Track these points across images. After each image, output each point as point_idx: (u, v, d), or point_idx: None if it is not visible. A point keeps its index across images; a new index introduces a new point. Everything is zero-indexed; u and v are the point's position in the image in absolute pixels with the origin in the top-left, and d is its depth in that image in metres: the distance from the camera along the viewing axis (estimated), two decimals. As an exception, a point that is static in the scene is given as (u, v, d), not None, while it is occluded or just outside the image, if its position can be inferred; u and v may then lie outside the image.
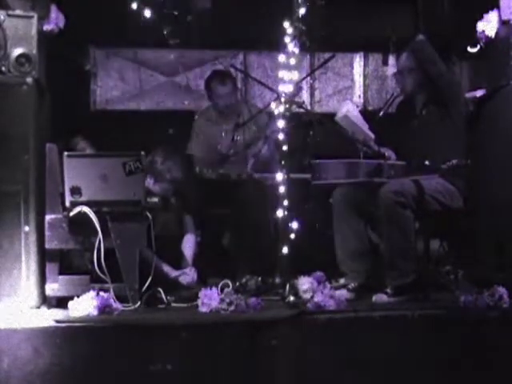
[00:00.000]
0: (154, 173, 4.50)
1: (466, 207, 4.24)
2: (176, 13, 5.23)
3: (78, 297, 3.63)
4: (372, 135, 4.26)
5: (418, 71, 4.32)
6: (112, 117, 6.18)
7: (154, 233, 3.91)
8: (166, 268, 4.43)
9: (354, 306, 3.89)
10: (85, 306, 3.57)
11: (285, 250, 4.15)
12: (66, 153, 3.81)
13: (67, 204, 3.79)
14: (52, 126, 4.26)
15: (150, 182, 4.49)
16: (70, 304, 3.61)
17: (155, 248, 3.98)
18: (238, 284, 4.14)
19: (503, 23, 4.57)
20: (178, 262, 4.53)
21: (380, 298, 4.04)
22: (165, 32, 5.23)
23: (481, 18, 4.69)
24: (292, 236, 4.22)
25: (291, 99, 4.28)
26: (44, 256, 3.83)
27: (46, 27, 4.40)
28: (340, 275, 4.35)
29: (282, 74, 4.60)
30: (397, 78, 4.53)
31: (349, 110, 4.24)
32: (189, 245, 4.65)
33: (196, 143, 5.45)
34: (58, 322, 3.45)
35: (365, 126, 4.27)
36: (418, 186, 4.08)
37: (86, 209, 3.74)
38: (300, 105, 4.48)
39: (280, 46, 4.87)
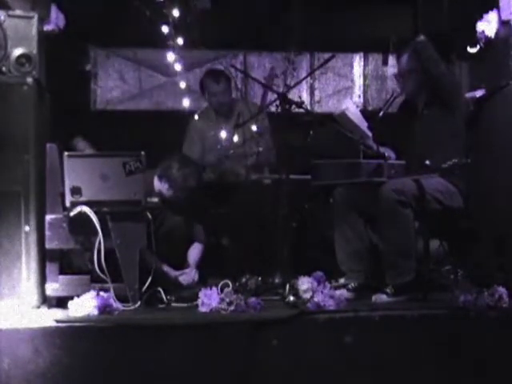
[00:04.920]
0: (169, 178, 4.48)
1: (466, 207, 4.24)
2: (176, 13, 5.23)
3: (78, 297, 3.63)
4: (369, 134, 4.26)
5: (419, 72, 4.32)
6: (112, 117, 6.18)
7: (160, 235, 3.91)
8: (166, 268, 4.43)
9: (354, 305, 3.89)
10: (85, 305, 3.57)
11: (285, 250, 4.15)
12: (66, 153, 3.81)
13: (67, 204, 3.79)
14: (52, 126, 4.26)
15: (164, 187, 4.48)
16: (70, 304, 3.61)
17: (158, 249, 3.98)
18: (237, 284, 4.14)
19: (503, 23, 4.58)
20: (180, 265, 4.53)
21: (380, 297, 4.05)
22: (165, 32, 5.23)
23: (481, 18, 4.69)
24: (292, 236, 4.22)
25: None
26: (44, 256, 3.83)
27: (47, 27, 4.40)
28: (340, 275, 4.36)
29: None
30: (397, 78, 4.53)
31: (347, 107, 4.24)
32: (195, 251, 4.64)
33: (192, 144, 5.45)
34: (58, 321, 3.45)
35: (363, 125, 4.27)
36: (418, 185, 4.08)
37: (86, 209, 3.74)
38: (300, 105, 4.48)
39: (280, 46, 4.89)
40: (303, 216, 5.05)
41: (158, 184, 4.50)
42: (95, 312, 3.57)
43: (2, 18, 3.84)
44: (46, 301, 3.84)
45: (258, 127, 5.27)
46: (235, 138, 5.30)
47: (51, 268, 3.82)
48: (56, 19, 4.48)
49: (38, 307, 3.80)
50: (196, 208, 4.69)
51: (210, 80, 5.42)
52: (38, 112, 3.92)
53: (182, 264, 4.55)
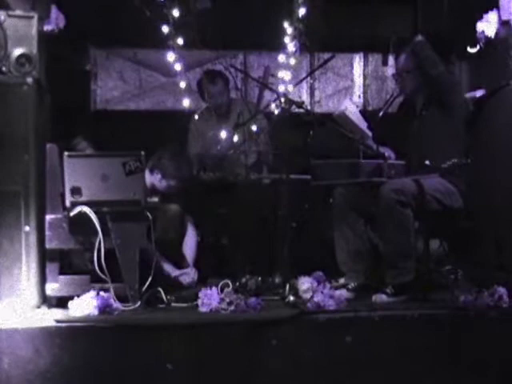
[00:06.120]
0: (161, 168, 4.51)
1: (466, 207, 4.24)
2: (176, 13, 5.23)
3: (78, 297, 3.63)
4: (369, 133, 4.26)
5: (417, 72, 4.32)
6: (112, 117, 6.18)
7: (156, 232, 3.91)
8: (167, 267, 4.43)
9: (354, 305, 3.89)
10: (85, 305, 3.57)
11: (285, 250, 4.15)
12: (66, 153, 3.81)
13: (67, 204, 3.79)
14: (52, 126, 4.26)
15: (156, 178, 4.50)
16: (70, 304, 3.61)
17: (156, 247, 3.98)
18: (237, 284, 4.14)
19: (503, 23, 4.58)
20: (178, 262, 4.53)
21: (380, 297, 4.05)
22: (165, 32, 5.23)
23: (481, 18, 4.69)
24: (292, 236, 4.22)
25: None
26: (44, 256, 3.83)
27: (47, 27, 4.40)
28: (340, 275, 4.36)
29: (283, 73, 4.62)
30: (395, 78, 4.53)
31: (347, 107, 4.25)
32: (190, 246, 4.65)
33: (194, 144, 5.46)
34: (58, 321, 3.45)
35: (363, 125, 4.27)
36: (418, 185, 4.08)
37: (86, 209, 3.74)
38: (300, 105, 4.48)
39: (280, 46, 4.89)
40: (303, 216, 5.05)
41: (149, 177, 4.50)
42: (95, 312, 3.57)
43: (2, 17, 3.83)
44: (46, 301, 3.84)
45: (257, 127, 5.28)
46: (235, 138, 5.30)
47: (51, 268, 3.82)
48: (56, 19, 4.48)
49: (38, 307, 3.80)
50: (187, 200, 4.70)
51: (206, 81, 5.43)
52: (38, 112, 3.92)
53: (178, 258, 4.55)
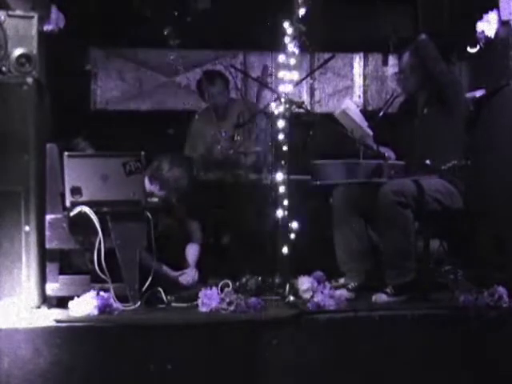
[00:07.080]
0: (160, 180, 4.48)
1: (466, 207, 4.24)
2: (176, 13, 5.23)
3: (78, 297, 3.63)
4: (370, 133, 4.26)
5: (420, 70, 4.32)
6: (112, 117, 6.18)
7: (157, 235, 3.91)
8: (166, 269, 4.43)
9: (354, 305, 3.89)
10: (85, 305, 3.57)
11: (285, 250, 4.15)
12: (66, 153, 3.81)
13: (67, 204, 3.79)
14: (52, 126, 4.26)
15: (156, 188, 4.48)
16: (71, 304, 3.61)
17: (156, 249, 3.97)
18: (237, 284, 4.14)
19: (503, 23, 4.58)
20: (179, 266, 4.53)
21: (380, 297, 4.05)
22: (165, 32, 5.23)
23: (480, 18, 4.70)
24: (292, 236, 4.22)
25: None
26: (44, 256, 3.83)
27: (47, 27, 4.41)
28: (340, 275, 4.36)
29: (283, 74, 4.61)
30: (398, 77, 4.53)
31: (348, 106, 4.25)
32: (192, 251, 4.64)
33: (193, 144, 5.45)
34: (58, 321, 3.45)
35: (363, 124, 4.27)
36: (418, 185, 4.08)
37: (86, 209, 3.74)
38: (300, 105, 4.48)
39: (280, 46, 4.87)
40: (303, 216, 5.04)
41: (149, 185, 4.48)
42: (95, 312, 3.57)
43: (2, 18, 3.84)
44: (45, 301, 3.84)
45: (257, 127, 5.28)
46: (235, 138, 5.30)
47: (51, 268, 3.82)
48: (56, 19, 4.48)
49: (38, 307, 3.80)
50: (190, 207, 4.69)
51: (206, 81, 5.43)
52: (38, 112, 3.92)
53: (180, 263, 4.55)
